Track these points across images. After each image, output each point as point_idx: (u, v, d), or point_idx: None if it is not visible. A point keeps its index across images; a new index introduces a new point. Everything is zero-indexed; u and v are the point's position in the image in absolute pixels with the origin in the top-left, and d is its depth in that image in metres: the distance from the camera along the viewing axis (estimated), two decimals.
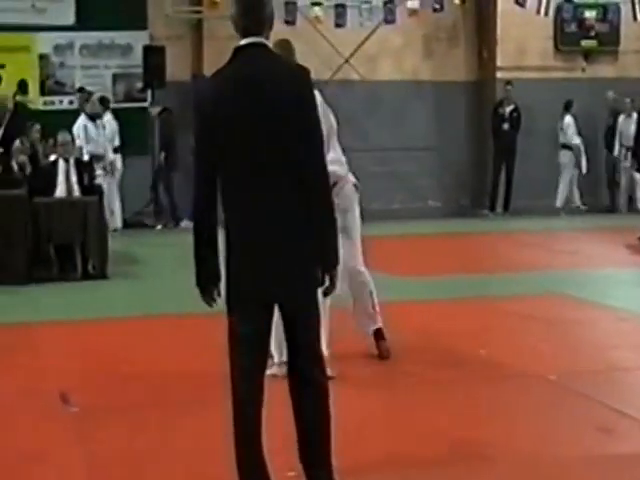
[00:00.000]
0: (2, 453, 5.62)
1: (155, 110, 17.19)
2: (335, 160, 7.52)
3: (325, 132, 5.85)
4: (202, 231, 4.44)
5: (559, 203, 18.31)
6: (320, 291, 4.49)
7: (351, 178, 7.87)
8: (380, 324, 7.53)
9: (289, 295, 4.44)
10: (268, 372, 4.64)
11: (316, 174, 4.40)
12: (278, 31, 16.92)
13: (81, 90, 16.62)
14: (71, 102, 17.09)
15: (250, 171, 4.35)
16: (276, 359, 6.73)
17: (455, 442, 5.65)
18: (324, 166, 4.44)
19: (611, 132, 18.52)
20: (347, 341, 7.36)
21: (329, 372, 6.34)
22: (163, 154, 17.00)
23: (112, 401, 6.61)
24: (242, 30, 4.44)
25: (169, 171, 16.94)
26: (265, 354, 4.57)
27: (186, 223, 14.93)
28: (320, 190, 4.42)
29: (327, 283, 4.47)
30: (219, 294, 4.50)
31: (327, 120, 7.37)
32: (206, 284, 4.46)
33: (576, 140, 18.19)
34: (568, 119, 18.17)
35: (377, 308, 7.53)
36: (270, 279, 4.39)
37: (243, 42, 4.44)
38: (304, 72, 4.55)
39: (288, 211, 4.37)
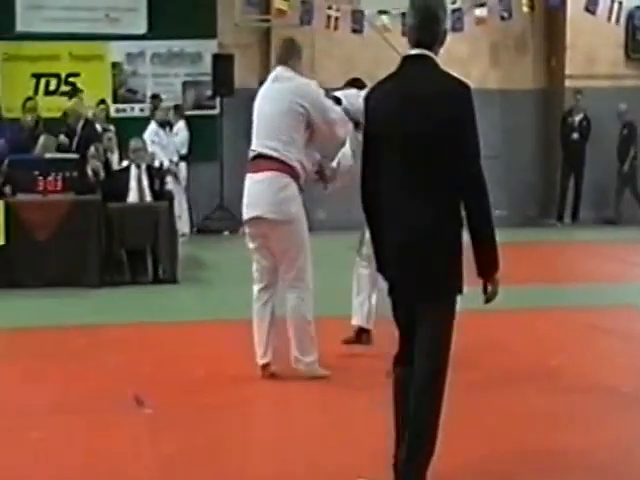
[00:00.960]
0: (78, 453, 5.74)
1: None
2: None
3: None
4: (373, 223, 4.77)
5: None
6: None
7: None
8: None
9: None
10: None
11: (471, 187, 4.56)
12: (345, 39, 17.10)
13: (154, 97, 16.88)
14: (142, 110, 17.38)
15: (398, 184, 4.60)
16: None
17: (527, 452, 5.65)
18: (479, 180, 4.56)
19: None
20: None
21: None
22: None
23: (184, 403, 6.71)
24: (414, 42, 4.69)
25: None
26: None
27: None
28: (476, 202, 4.59)
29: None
30: None
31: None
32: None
33: None
34: None
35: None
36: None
37: (412, 52, 4.68)
38: (464, 89, 4.59)
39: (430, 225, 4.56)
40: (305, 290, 7.14)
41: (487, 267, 4.62)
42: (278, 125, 7.04)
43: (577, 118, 18.28)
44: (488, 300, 4.68)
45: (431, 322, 4.58)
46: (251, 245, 7.24)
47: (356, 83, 8.24)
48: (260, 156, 7.08)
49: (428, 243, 4.56)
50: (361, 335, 8.10)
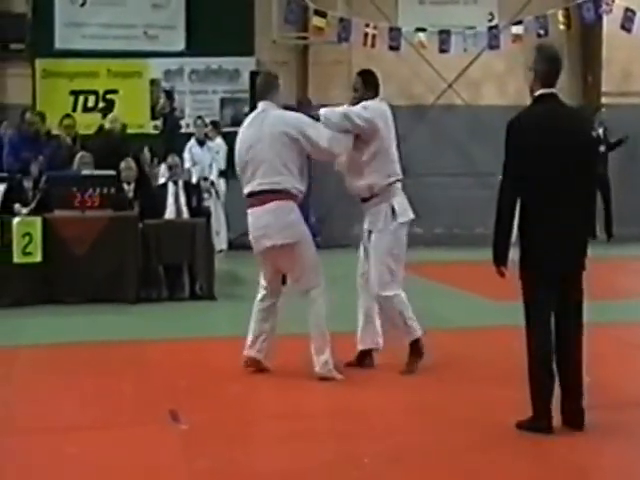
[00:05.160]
0: (113, 468, 5.76)
1: None
2: (376, 170, 7.79)
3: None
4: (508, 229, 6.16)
5: None
6: None
7: (395, 195, 7.97)
8: (417, 335, 7.85)
9: None
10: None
11: (590, 197, 6.51)
12: (383, 56, 17.12)
13: (199, 117, 16.95)
14: (179, 126, 17.48)
15: (547, 198, 6.12)
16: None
17: (569, 468, 5.71)
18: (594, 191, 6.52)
19: None
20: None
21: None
22: None
23: (220, 418, 6.73)
24: (546, 83, 6.18)
25: None
26: None
27: None
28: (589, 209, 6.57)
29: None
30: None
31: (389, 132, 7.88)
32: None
33: None
34: None
35: (409, 323, 7.83)
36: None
37: (544, 91, 6.18)
38: (586, 117, 5.77)
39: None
40: (317, 288, 7.61)
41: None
42: (277, 163, 7.50)
43: (600, 130, 18.12)
44: None
45: (578, 284, 6.22)
46: (259, 257, 7.74)
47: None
48: (264, 191, 7.53)
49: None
50: (363, 358, 8.08)
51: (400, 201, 7.89)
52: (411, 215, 7.94)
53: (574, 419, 6.20)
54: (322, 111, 7.68)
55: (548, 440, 6.08)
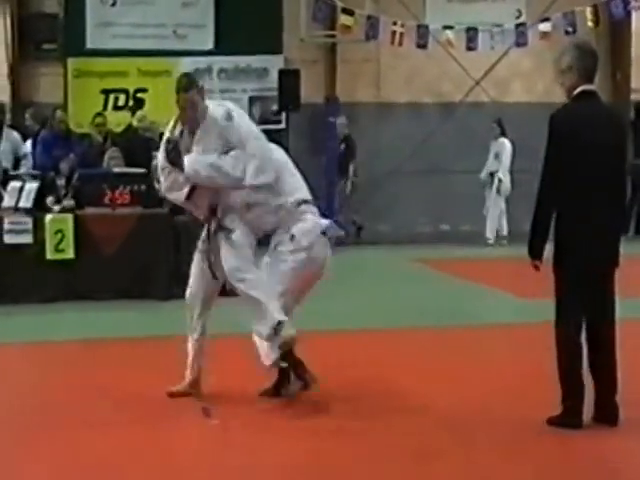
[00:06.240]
0: (142, 464, 5.84)
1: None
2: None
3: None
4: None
5: None
6: None
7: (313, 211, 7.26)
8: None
9: None
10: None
11: (624, 194, 6.67)
12: (410, 54, 17.13)
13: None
14: None
15: (585, 195, 6.16)
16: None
17: (600, 467, 5.76)
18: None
19: None
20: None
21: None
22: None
23: (251, 415, 6.78)
24: (585, 79, 6.24)
25: None
26: None
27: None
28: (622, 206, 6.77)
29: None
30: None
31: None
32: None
33: None
34: None
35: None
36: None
37: (586, 88, 6.24)
38: (620, 114, 6.12)
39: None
40: None
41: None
42: None
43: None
44: None
45: (612, 280, 6.31)
46: None
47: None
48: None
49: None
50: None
51: None
52: None
53: (608, 415, 6.26)
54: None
55: (579, 436, 6.13)
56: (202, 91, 6.99)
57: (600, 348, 6.26)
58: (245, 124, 7.04)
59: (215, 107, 7.00)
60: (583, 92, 6.24)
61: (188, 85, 6.90)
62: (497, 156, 17.53)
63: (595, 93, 6.32)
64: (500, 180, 17.43)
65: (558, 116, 6.24)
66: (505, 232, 17.42)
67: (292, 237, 7.03)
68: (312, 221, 7.13)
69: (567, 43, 6.83)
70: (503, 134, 17.55)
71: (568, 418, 6.20)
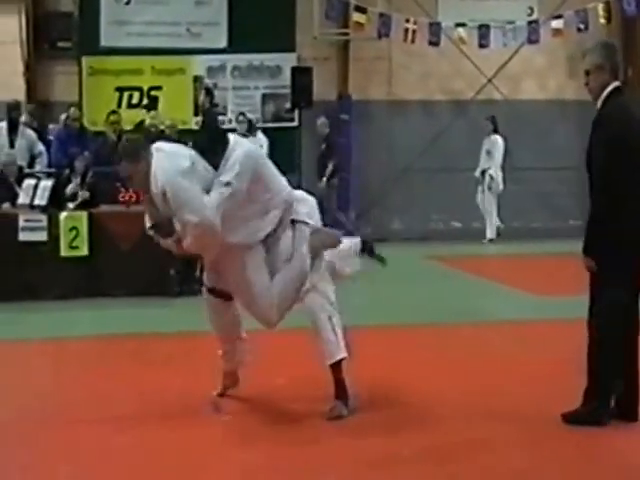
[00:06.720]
0: (155, 458, 5.91)
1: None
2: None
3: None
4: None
5: None
6: None
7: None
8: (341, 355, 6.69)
9: None
10: None
11: None
12: (423, 52, 17.16)
13: (242, 114, 17.18)
14: (222, 122, 17.68)
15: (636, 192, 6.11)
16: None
17: (622, 464, 5.75)
18: None
19: None
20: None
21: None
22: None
23: (263, 410, 6.87)
24: (615, 76, 6.28)
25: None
26: None
27: None
28: None
29: None
30: None
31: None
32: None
33: None
34: None
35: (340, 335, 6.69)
36: None
37: (618, 84, 6.26)
38: None
39: None
40: None
41: None
42: None
43: None
44: None
45: None
46: None
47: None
48: None
49: None
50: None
51: None
52: None
53: (629, 411, 6.28)
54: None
55: (598, 432, 6.14)
56: (138, 157, 6.45)
57: (629, 345, 6.26)
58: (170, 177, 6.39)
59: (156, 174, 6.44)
60: (617, 88, 6.27)
61: (123, 155, 6.51)
62: (489, 153, 17.59)
63: (622, 88, 6.35)
64: (492, 177, 17.51)
65: (609, 114, 6.21)
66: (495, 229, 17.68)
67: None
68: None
69: (588, 44, 6.82)
70: (495, 131, 17.61)
71: (594, 416, 6.19)
